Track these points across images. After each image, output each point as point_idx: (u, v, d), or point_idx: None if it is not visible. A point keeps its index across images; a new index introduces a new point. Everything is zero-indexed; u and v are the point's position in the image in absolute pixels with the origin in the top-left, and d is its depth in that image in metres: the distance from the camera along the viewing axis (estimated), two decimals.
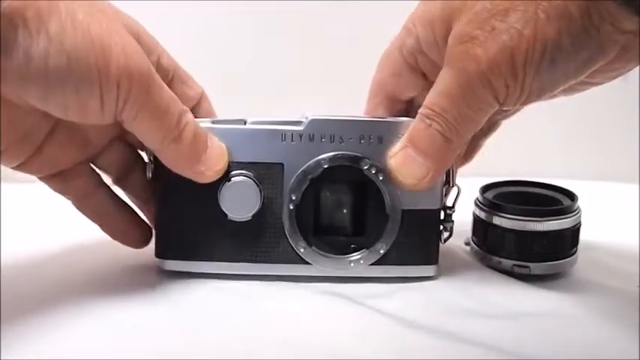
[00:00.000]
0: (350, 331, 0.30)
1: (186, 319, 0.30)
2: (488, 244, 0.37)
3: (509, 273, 0.36)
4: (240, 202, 0.32)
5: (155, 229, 0.35)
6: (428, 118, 0.30)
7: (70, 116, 0.28)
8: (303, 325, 0.30)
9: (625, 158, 0.60)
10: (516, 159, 0.56)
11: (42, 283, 0.34)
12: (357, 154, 0.32)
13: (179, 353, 0.27)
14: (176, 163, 0.31)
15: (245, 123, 0.33)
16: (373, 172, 0.33)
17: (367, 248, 0.34)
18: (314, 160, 0.32)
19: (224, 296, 0.33)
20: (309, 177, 0.33)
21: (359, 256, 0.34)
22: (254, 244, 0.34)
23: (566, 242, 0.35)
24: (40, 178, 0.33)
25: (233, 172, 0.32)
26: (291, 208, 0.33)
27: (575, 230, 0.36)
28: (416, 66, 0.34)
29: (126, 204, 0.36)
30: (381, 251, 0.34)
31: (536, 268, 0.35)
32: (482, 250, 0.37)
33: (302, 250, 0.34)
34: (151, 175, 0.33)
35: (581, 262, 0.37)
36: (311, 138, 0.33)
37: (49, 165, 0.32)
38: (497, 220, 0.36)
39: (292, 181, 0.33)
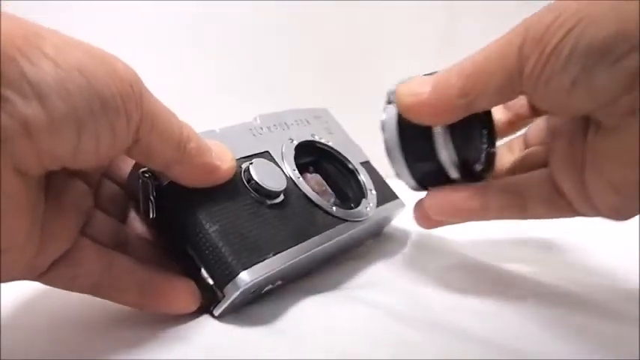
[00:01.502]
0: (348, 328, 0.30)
1: None
2: None
3: None
4: (271, 175, 0.31)
5: (196, 264, 0.28)
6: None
7: (101, 151, 0.23)
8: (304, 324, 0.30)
9: None
10: None
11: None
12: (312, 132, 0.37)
13: None
14: (195, 167, 0.28)
15: (216, 131, 0.33)
16: (323, 141, 0.37)
17: (364, 197, 0.37)
18: (286, 142, 0.35)
19: None
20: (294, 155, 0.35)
21: (366, 203, 0.36)
22: (298, 222, 0.32)
23: None
24: (40, 277, 0.25)
25: (243, 163, 0.31)
26: (301, 179, 0.34)
27: None
28: None
29: (153, 265, 0.29)
30: (373, 192, 0.37)
31: None
32: None
33: (334, 209, 0.34)
34: (154, 214, 0.28)
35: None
36: (269, 128, 0.35)
37: (50, 249, 0.25)
38: None
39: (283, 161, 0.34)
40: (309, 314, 0.30)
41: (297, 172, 0.34)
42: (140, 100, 0.23)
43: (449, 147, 0.29)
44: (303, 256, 0.30)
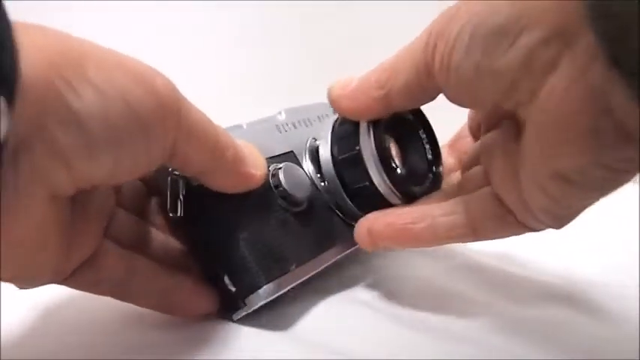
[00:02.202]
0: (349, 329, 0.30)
1: None
2: None
3: None
4: (298, 182, 0.31)
5: (219, 270, 0.28)
6: None
7: (135, 171, 0.23)
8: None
9: None
10: None
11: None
12: None
13: None
14: (230, 176, 0.27)
15: (243, 127, 0.32)
16: None
17: None
18: (309, 141, 0.34)
19: None
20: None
21: None
22: (319, 231, 0.31)
23: None
24: (64, 281, 0.25)
25: (271, 165, 0.30)
26: (324, 184, 0.33)
27: None
28: None
29: (173, 269, 0.28)
30: None
31: None
32: None
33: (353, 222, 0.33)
34: (181, 213, 0.27)
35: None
36: (294, 125, 0.34)
37: (76, 254, 0.24)
38: None
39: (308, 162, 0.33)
40: (312, 315, 0.30)
41: (319, 176, 0.33)
42: (178, 116, 0.23)
43: (382, 173, 0.30)
44: (323, 267, 0.31)
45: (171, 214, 0.27)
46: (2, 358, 0.25)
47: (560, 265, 0.38)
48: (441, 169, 0.33)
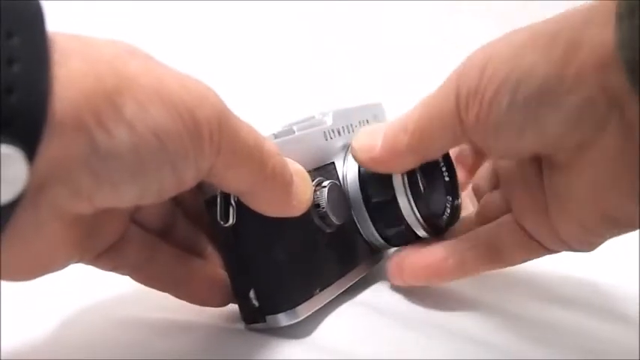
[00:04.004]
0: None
1: None
2: None
3: None
4: (338, 204, 0.30)
5: (246, 282, 0.28)
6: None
7: (163, 197, 0.22)
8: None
9: None
10: None
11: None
12: None
13: None
14: (270, 203, 0.26)
15: (294, 131, 0.30)
16: None
17: None
18: (348, 152, 0.33)
19: None
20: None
21: None
22: (345, 252, 0.31)
23: None
24: (86, 262, 0.25)
25: (314, 180, 0.29)
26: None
27: None
28: None
29: (193, 257, 0.29)
30: None
31: None
32: None
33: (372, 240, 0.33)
34: (234, 221, 0.26)
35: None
36: (339, 132, 0.33)
37: (99, 243, 0.25)
38: None
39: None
40: (311, 317, 0.30)
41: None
42: (218, 143, 0.22)
43: (413, 209, 0.30)
44: (342, 290, 0.31)
45: (221, 222, 0.26)
46: (2, 358, 0.25)
47: (560, 266, 0.38)
48: (459, 201, 0.33)
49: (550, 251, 0.29)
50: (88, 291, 0.31)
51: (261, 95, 0.60)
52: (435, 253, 0.30)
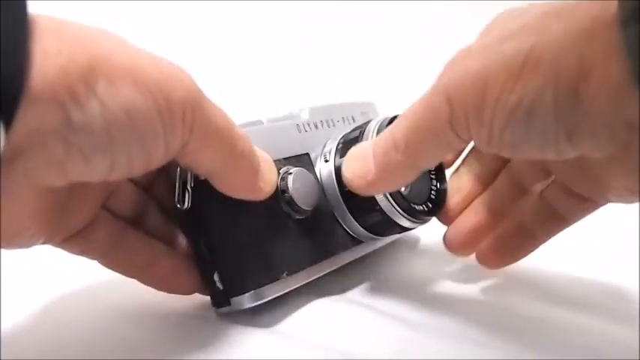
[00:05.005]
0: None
1: None
2: None
3: None
4: (306, 190, 0.30)
5: (210, 265, 0.28)
6: (397, 120, 0.27)
7: (133, 173, 0.23)
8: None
9: None
10: None
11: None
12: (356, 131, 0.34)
13: None
14: (238, 184, 0.27)
15: (263, 123, 0.31)
16: None
17: None
18: (328, 143, 0.33)
19: None
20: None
21: None
22: (318, 240, 0.31)
23: None
24: (53, 244, 0.25)
25: (282, 168, 0.30)
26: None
27: None
28: None
29: (160, 243, 0.29)
30: None
31: None
32: None
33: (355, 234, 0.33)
34: (189, 205, 0.27)
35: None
36: (315, 125, 0.34)
37: (68, 226, 0.25)
38: None
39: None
40: (311, 318, 0.31)
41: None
42: (191, 123, 0.23)
43: (388, 198, 0.30)
44: (315, 277, 0.31)
45: (178, 205, 0.28)
46: (2, 357, 0.26)
47: (560, 266, 0.38)
48: (445, 185, 0.33)
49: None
50: (58, 279, 0.32)
51: (251, 93, 0.61)
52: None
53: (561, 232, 0.31)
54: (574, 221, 0.31)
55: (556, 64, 0.20)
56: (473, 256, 0.38)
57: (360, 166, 0.28)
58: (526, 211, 0.32)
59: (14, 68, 0.18)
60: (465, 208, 0.34)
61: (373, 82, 0.59)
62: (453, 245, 0.34)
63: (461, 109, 0.23)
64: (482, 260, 0.34)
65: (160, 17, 0.63)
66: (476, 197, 0.34)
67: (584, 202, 0.30)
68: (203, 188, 0.27)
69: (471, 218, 0.34)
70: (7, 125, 0.18)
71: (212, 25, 0.67)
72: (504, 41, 0.22)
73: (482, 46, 0.23)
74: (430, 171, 0.33)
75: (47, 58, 0.19)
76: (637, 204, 0.42)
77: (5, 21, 0.18)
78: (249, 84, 0.63)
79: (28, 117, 0.18)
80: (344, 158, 0.29)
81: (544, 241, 0.32)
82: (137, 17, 0.60)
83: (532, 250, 0.33)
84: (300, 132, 0.33)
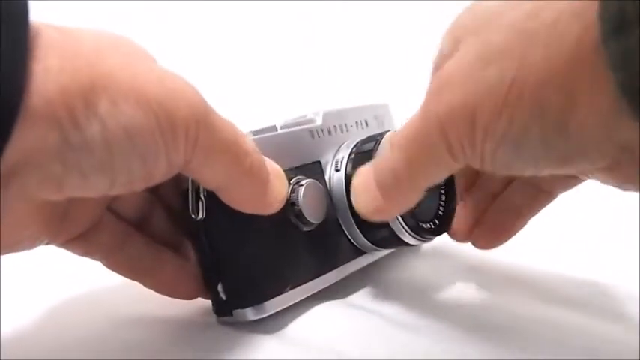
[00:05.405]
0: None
1: None
2: None
3: None
4: (316, 203, 0.30)
5: (215, 275, 0.28)
6: (393, 148, 0.26)
7: (134, 189, 0.22)
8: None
9: None
10: None
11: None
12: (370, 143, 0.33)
13: None
14: (246, 199, 0.26)
15: (276, 129, 0.31)
16: None
17: None
18: (341, 150, 0.33)
19: None
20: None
21: None
22: (324, 252, 0.31)
23: None
24: (56, 245, 0.26)
25: (293, 178, 0.29)
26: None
27: None
28: None
29: (165, 248, 0.29)
30: None
31: None
32: None
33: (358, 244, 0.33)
34: (203, 215, 0.27)
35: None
36: (329, 131, 0.33)
37: (72, 229, 0.25)
38: None
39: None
40: (313, 322, 0.31)
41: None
42: (195, 140, 0.22)
43: (400, 221, 0.30)
44: (319, 289, 0.31)
45: (192, 216, 0.27)
46: (2, 357, 0.26)
47: (560, 266, 0.38)
48: (454, 203, 0.33)
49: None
50: (60, 283, 0.32)
51: (257, 97, 0.61)
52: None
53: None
54: (558, 194, 0.32)
55: (540, 98, 0.20)
56: (473, 257, 0.39)
57: (368, 197, 0.27)
58: (511, 188, 0.33)
59: (13, 88, 0.18)
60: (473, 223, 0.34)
61: (383, 80, 0.57)
62: (458, 237, 0.34)
63: (457, 140, 0.23)
64: (476, 242, 0.34)
65: (173, 19, 0.62)
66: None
67: (569, 178, 0.30)
68: (214, 199, 0.26)
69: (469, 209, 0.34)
70: (4, 143, 0.18)
71: (224, 28, 0.66)
72: (485, 67, 0.21)
73: (464, 72, 0.22)
74: (440, 186, 0.32)
75: (48, 76, 0.18)
76: (637, 204, 0.44)
77: (6, 40, 0.17)
78: (258, 84, 0.62)
79: (24, 136, 0.18)
80: (352, 187, 0.29)
81: (531, 217, 0.33)
82: (145, 21, 0.59)
83: (521, 227, 0.33)
84: (313, 138, 0.32)
